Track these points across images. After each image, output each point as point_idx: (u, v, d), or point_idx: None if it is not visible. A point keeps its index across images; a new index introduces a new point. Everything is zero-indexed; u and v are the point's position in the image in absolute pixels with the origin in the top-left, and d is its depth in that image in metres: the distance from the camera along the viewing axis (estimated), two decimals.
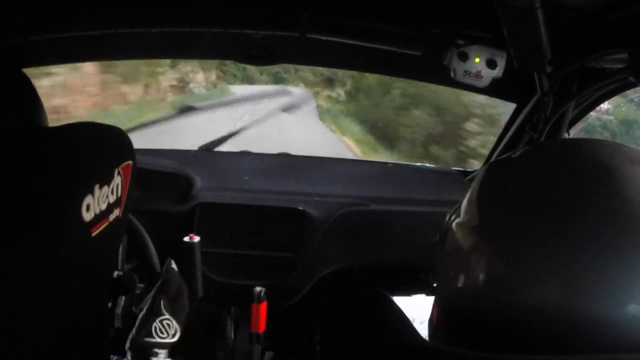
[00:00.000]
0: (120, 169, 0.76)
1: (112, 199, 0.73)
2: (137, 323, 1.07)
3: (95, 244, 0.71)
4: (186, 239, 1.39)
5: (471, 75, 1.23)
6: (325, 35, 1.32)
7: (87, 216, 0.68)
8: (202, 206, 1.54)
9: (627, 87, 1.28)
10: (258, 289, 1.37)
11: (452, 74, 1.25)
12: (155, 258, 1.20)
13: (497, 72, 1.22)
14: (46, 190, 0.63)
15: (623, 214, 0.53)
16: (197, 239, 1.39)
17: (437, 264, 0.68)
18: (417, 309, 1.42)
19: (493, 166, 0.68)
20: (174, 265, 1.16)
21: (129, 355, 1.06)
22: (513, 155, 0.66)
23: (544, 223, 0.54)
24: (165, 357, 1.09)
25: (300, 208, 1.55)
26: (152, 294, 1.10)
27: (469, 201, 0.64)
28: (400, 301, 1.43)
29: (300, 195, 1.62)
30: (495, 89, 1.31)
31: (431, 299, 1.42)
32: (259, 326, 1.38)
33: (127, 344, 1.06)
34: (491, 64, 1.22)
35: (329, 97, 13.02)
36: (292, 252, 1.52)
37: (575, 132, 1.44)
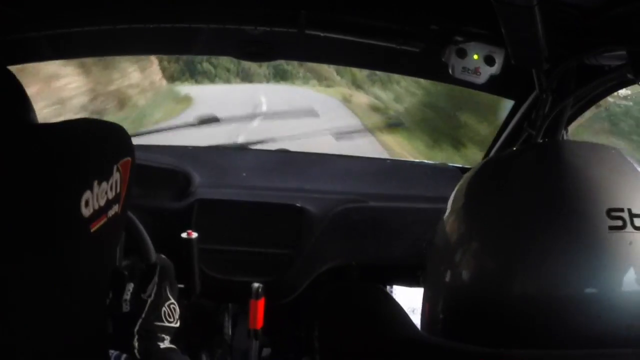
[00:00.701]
0: (119, 165, 0.76)
1: (111, 195, 0.73)
2: (146, 308, 1.10)
3: (94, 240, 0.71)
4: (184, 235, 1.39)
5: (469, 72, 1.23)
6: (323, 31, 1.32)
7: (86, 212, 0.68)
8: (200, 203, 1.54)
9: (625, 84, 1.29)
10: (256, 285, 1.38)
11: (450, 71, 1.25)
12: (154, 254, 1.20)
13: (495, 69, 1.22)
14: (44, 185, 0.63)
15: (589, 217, 0.56)
16: (194, 235, 1.39)
17: (427, 259, 0.70)
18: (418, 300, 1.43)
19: (481, 165, 0.70)
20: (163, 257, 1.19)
21: (136, 340, 1.08)
22: (502, 155, 0.70)
23: (528, 217, 0.58)
24: (170, 343, 1.11)
25: (298, 205, 1.55)
26: (155, 280, 1.13)
27: (456, 197, 0.66)
28: (403, 292, 1.45)
29: (299, 191, 1.62)
30: (493, 86, 1.31)
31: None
32: (257, 322, 1.38)
33: (136, 328, 1.08)
34: (489, 61, 1.22)
35: (375, 107, 11.75)
36: (290, 248, 1.52)
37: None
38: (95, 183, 0.70)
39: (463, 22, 1.23)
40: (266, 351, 1.62)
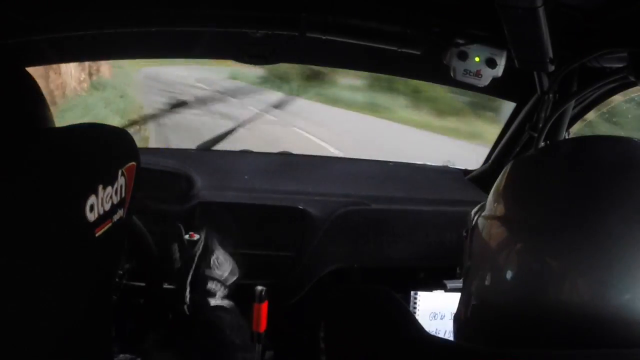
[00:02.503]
0: (124, 170, 0.76)
1: (115, 199, 0.73)
2: (195, 260, 1.14)
3: (99, 244, 0.71)
4: (186, 237, 1.39)
5: (471, 74, 1.23)
6: (325, 34, 1.32)
7: (91, 216, 0.68)
8: (203, 205, 1.54)
9: (626, 86, 1.29)
10: (259, 288, 1.37)
11: (451, 73, 1.25)
12: (155, 260, 1.20)
13: (497, 71, 1.22)
14: (49, 189, 0.63)
15: (620, 212, 0.54)
16: (197, 237, 1.39)
17: (464, 261, 0.69)
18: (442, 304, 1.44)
19: (520, 161, 0.69)
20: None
21: (188, 292, 1.10)
22: (539, 151, 0.67)
23: (573, 218, 0.55)
24: (223, 297, 1.16)
25: (300, 207, 1.55)
26: (203, 234, 1.21)
27: (496, 197, 0.65)
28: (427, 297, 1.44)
29: (301, 194, 1.62)
30: (495, 88, 1.31)
31: (431, 294, 1.44)
32: (260, 325, 1.38)
33: (189, 279, 1.11)
34: (491, 63, 1.22)
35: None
36: (292, 251, 1.52)
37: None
38: (100, 188, 0.70)
39: (464, 25, 1.23)
40: (269, 354, 1.62)
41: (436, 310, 1.43)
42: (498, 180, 0.66)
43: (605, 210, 0.54)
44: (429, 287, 1.45)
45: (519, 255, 0.58)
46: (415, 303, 1.44)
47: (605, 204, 0.55)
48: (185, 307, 1.09)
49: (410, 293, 1.45)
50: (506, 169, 0.67)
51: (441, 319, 1.43)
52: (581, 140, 0.70)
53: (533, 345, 0.55)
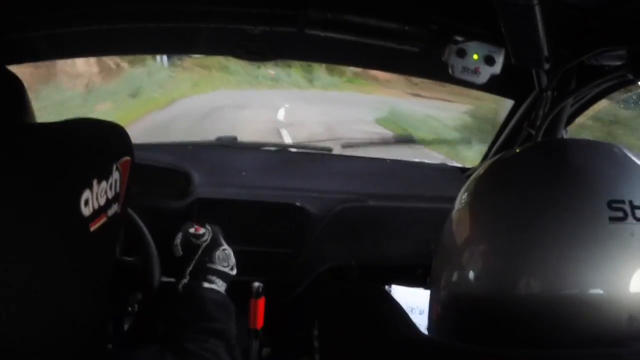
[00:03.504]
0: (118, 164, 0.75)
1: (110, 194, 0.73)
2: (200, 251, 1.14)
3: (94, 239, 0.71)
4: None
5: (469, 71, 1.23)
6: (323, 31, 1.32)
7: (86, 211, 0.68)
8: (200, 202, 1.53)
9: (625, 84, 1.29)
10: (256, 284, 1.38)
11: (450, 71, 1.25)
12: (154, 253, 1.20)
13: (495, 68, 1.22)
14: (43, 185, 0.63)
15: (590, 209, 0.56)
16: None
17: (433, 259, 0.69)
18: (417, 299, 1.44)
19: (488, 165, 0.70)
20: None
21: (187, 278, 1.10)
22: (506, 156, 0.69)
23: (532, 216, 0.58)
24: (223, 290, 1.15)
25: (298, 204, 1.55)
26: (209, 227, 1.21)
27: (461, 198, 0.66)
28: (402, 291, 1.44)
29: (299, 191, 1.62)
30: (493, 86, 1.31)
31: (409, 289, 1.44)
32: (257, 322, 1.38)
33: (189, 268, 1.11)
34: (489, 61, 1.22)
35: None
36: (290, 248, 1.52)
37: None
38: (95, 182, 0.70)
39: (463, 22, 1.23)
40: (266, 350, 1.62)
41: (413, 305, 1.44)
42: (468, 181, 0.69)
43: (563, 205, 0.57)
44: (407, 285, 1.46)
45: (482, 253, 0.60)
46: None
47: (562, 200, 0.57)
48: (180, 286, 1.08)
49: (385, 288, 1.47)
50: (478, 170, 0.69)
51: (420, 314, 1.43)
52: (552, 143, 0.74)
53: (501, 343, 0.55)
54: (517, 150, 0.72)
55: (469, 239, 0.62)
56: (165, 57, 10.73)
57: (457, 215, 0.66)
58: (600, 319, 0.54)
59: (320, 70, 14.15)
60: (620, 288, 0.54)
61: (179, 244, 1.15)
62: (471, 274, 0.60)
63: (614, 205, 0.55)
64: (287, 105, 10.71)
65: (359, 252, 1.58)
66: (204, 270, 1.12)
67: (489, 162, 0.71)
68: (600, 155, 0.62)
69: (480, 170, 0.68)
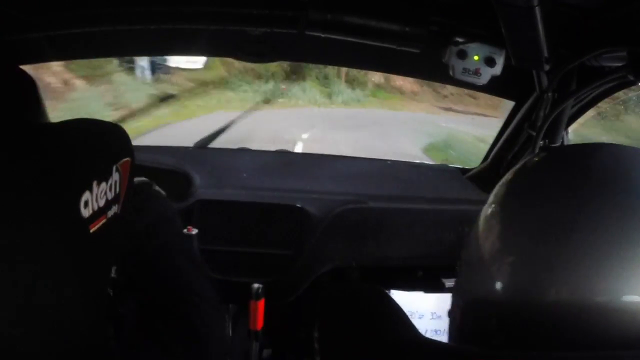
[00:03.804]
0: (118, 166, 0.75)
1: (110, 195, 0.73)
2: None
3: (94, 241, 0.71)
4: (184, 231, 1.40)
5: (470, 72, 1.23)
6: (324, 32, 1.32)
7: (85, 212, 0.68)
8: (201, 203, 1.54)
9: (625, 85, 1.29)
10: (256, 285, 1.38)
11: (450, 72, 1.25)
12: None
13: (496, 69, 1.22)
14: (43, 185, 0.63)
15: (621, 213, 0.55)
16: (194, 231, 1.39)
17: (458, 265, 0.69)
18: (416, 304, 1.43)
19: (517, 170, 0.69)
20: None
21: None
22: (536, 159, 0.68)
23: (561, 227, 0.56)
24: None
25: (298, 205, 1.55)
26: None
27: (490, 205, 0.65)
28: (402, 296, 1.44)
29: (299, 192, 1.62)
30: (494, 87, 1.31)
31: (429, 295, 1.43)
32: (257, 323, 1.38)
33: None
34: (490, 62, 1.22)
35: None
36: (290, 249, 1.52)
37: None
38: (95, 183, 0.70)
39: (464, 23, 1.23)
40: (267, 352, 1.62)
41: (413, 309, 1.43)
42: (498, 187, 0.67)
43: (598, 214, 0.55)
44: (407, 287, 1.45)
45: (511, 263, 0.59)
46: None
47: (598, 208, 0.56)
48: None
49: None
50: (507, 176, 0.67)
51: (419, 318, 1.43)
52: (583, 148, 0.72)
53: (525, 347, 0.55)
54: (547, 154, 0.70)
55: (498, 247, 0.61)
56: (147, 71, 9.00)
57: (485, 222, 0.65)
58: (630, 329, 0.53)
59: (339, 83, 12.51)
60: None
61: None
62: (499, 283, 0.59)
63: None
64: (305, 136, 8.67)
65: (360, 253, 1.58)
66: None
67: (517, 166, 0.70)
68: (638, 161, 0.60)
69: (509, 176, 0.66)
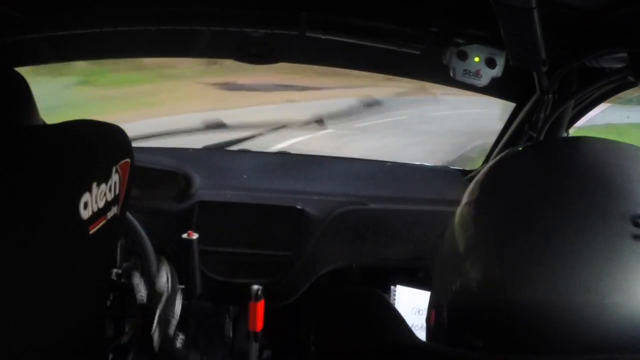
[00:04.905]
0: (118, 167, 0.76)
1: (109, 196, 0.73)
2: (163, 303, 1.15)
3: (93, 242, 0.71)
4: (184, 235, 1.39)
5: (470, 74, 1.23)
6: (324, 33, 1.32)
7: (85, 214, 0.68)
8: (201, 204, 1.53)
9: (626, 86, 1.29)
10: (255, 287, 1.37)
11: (451, 73, 1.25)
12: (153, 257, 1.20)
13: (497, 71, 1.22)
14: (43, 187, 0.63)
15: (603, 211, 0.52)
16: (195, 235, 1.39)
17: (433, 264, 0.68)
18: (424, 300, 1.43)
19: (491, 165, 0.68)
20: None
21: (156, 332, 1.11)
22: (510, 154, 0.66)
23: (536, 221, 0.54)
24: (175, 328, 1.19)
25: (298, 207, 1.55)
26: (170, 276, 1.22)
27: (464, 201, 0.65)
28: (407, 292, 1.43)
29: (299, 193, 1.61)
30: (494, 88, 1.31)
31: (413, 290, 1.43)
32: (257, 325, 1.38)
33: (155, 323, 1.12)
34: (490, 63, 1.22)
35: None
36: (290, 250, 1.52)
37: None
38: (94, 185, 0.70)
39: (464, 24, 1.23)
40: (267, 353, 1.62)
41: (419, 306, 1.43)
42: (471, 184, 0.65)
43: (577, 210, 0.53)
44: (411, 285, 1.45)
45: (485, 259, 0.57)
46: (394, 298, 1.45)
47: (577, 204, 0.53)
48: (155, 344, 1.10)
49: (390, 288, 1.46)
50: (480, 172, 0.66)
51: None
52: (561, 142, 0.69)
53: (502, 350, 0.53)
54: (521, 149, 0.68)
55: (471, 243, 0.60)
56: None
57: (459, 219, 0.63)
58: (608, 330, 0.51)
59: None
60: (634, 303, 0.50)
61: (142, 292, 1.14)
62: (473, 280, 0.57)
63: (639, 220, 0.50)
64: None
65: (360, 254, 1.58)
66: (168, 322, 1.16)
67: (492, 162, 0.70)
68: (623, 160, 0.57)
69: (483, 172, 0.65)
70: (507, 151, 0.67)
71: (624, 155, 0.58)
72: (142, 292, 1.12)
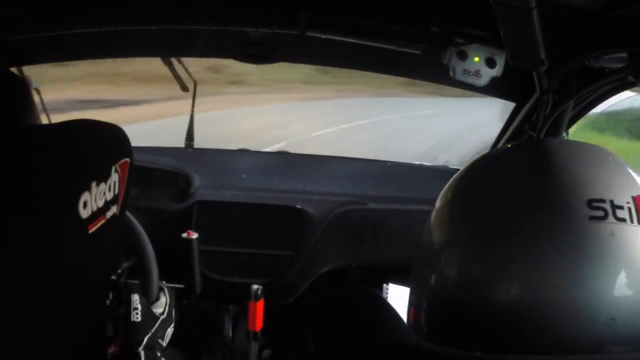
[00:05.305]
0: (117, 166, 0.76)
1: (109, 196, 0.73)
2: (157, 326, 1.13)
3: (92, 241, 0.71)
4: (184, 235, 1.40)
5: (470, 74, 1.23)
6: (324, 33, 1.32)
7: (84, 213, 0.68)
8: (201, 204, 1.54)
9: (626, 86, 1.28)
10: (255, 286, 1.38)
11: (451, 73, 1.25)
12: (152, 257, 1.20)
13: (496, 71, 1.22)
14: (43, 186, 0.63)
15: (569, 208, 0.55)
16: (195, 235, 1.39)
17: (413, 261, 0.69)
18: None
19: (468, 164, 0.70)
20: None
21: (143, 355, 1.09)
22: (486, 155, 0.69)
23: (510, 218, 0.57)
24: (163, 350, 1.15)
25: (298, 206, 1.55)
26: (168, 300, 1.19)
27: (440, 199, 0.66)
28: (400, 290, 1.43)
29: (299, 193, 1.62)
30: (494, 88, 1.31)
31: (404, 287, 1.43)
32: (256, 324, 1.38)
33: (144, 343, 1.10)
34: (490, 63, 1.21)
35: None
36: (290, 250, 1.52)
37: None
38: (94, 184, 0.70)
39: (464, 24, 1.23)
40: (266, 353, 1.62)
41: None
42: (447, 184, 0.68)
43: (542, 205, 0.56)
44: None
45: (459, 256, 0.59)
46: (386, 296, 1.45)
47: (541, 200, 0.56)
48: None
49: (383, 286, 1.46)
50: (459, 171, 0.68)
51: None
52: (534, 143, 0.72)
53: (474, 348, 0.54)
54: (498, 151, 0.71)
55: (447, 240, 0.61)
56: None
57: (436, 215, 0.65)
58: (580, 322, 0.52)
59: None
60: (599, 289, 0.53)
61: (139, 309, 1.12)
62: (448, 277, 0.59)
63: (594, 204, 0.54)
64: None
65: (359, 254, 1.58)
66: (159, 347, 1.13)
67: (470, 162, 0.71)
68: (583, 155, 0.61)
69: (461, 170, 0.67)
70: (485, 153, 0.69)
71: (586, 153, 0.62)
72: (138, 310, 1.11)
